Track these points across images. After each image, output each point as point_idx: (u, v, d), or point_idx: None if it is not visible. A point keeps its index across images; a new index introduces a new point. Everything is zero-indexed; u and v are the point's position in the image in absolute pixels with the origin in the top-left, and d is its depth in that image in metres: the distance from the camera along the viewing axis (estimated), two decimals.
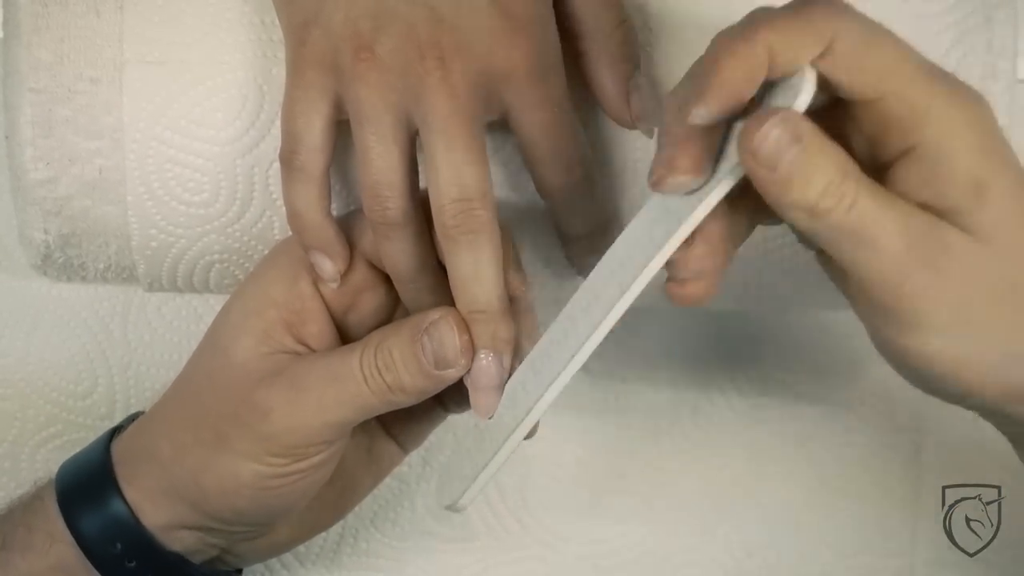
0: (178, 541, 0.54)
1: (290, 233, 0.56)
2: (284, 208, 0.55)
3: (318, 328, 0.53)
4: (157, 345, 0.66)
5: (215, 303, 0.66)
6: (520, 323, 0.51)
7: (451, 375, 0.50)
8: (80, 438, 0.67)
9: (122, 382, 0.66)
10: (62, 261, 0.57)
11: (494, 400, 0.50)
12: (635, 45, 0.53)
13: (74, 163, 0.55)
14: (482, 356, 0.50)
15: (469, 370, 0.50)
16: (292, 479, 0.52)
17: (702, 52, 0.54)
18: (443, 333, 0.50)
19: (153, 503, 0.53)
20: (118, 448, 0.55)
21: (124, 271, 0.58)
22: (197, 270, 0.58)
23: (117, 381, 0.66)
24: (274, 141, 0.54)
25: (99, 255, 0.57)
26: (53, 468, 0.66)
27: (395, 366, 0.50)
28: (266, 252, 0.57)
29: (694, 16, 0.55)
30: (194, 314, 0.66)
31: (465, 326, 0.50)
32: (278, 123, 0.54)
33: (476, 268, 0.49)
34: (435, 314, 0.50)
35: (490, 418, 0.50)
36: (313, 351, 0.52)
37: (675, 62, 0.55)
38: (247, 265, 0.58)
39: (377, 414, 0.52)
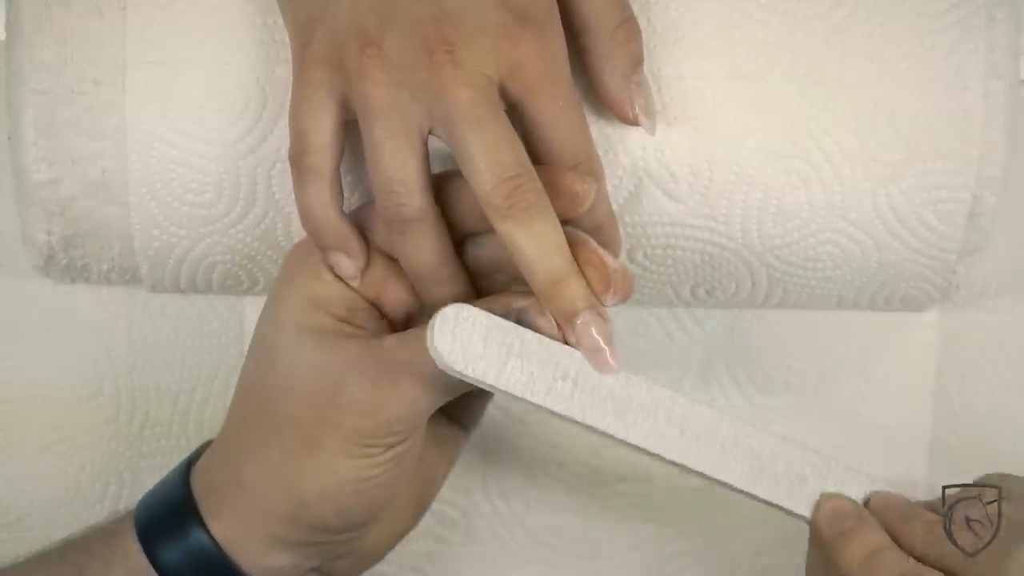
0: (272, 572, 0.54)
1: (294, 235, 0.56)
2: (287, 209, 0.56)
3: (367, 314, 0.53)
4: (162, 346, 0.66)
5: (219, 304, 0.66)
6: (575, 238, 0.50)
7: None
8: (85, 441, 0.67)
9: (127, 384, 0.66)
10: (65, 262, 0.57)
11: (616, 354, 0.50)
12: (639, 41, 0.53)
13: (77, 164, 0.55)
14: (580, 320, 0.49)
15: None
16: (389, 466, 0.52)
17: (703, 48, 0.54)
18: (534, 321, 0.50)
19: (246, 532, 0.53)
20: (198, 483, 0.54)
21: (127, 272, 0.58)
22: (200, 271, 0.58)
23: (122, 383, 0.66)
24: (277, 142, 0.54)
25: (102, 256, 0.57)
26: (57, 470, 0.67)
27: None
28: (269, 252, 0.57)
29: (697, 13, 0.55)
30: (198, 315, 0.66)
31: (547, 313, 0.50)
32: (281, 124, 0.54)
33: (543, 240, 0.49)
34: (521, 300, 0.50)
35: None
36: (372, 333, 0.52)
37: (678, 59, 0.55)
38: (250, 266, 0.58)
39: (458, 396, 0.52)
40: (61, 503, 0.67)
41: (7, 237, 0.62)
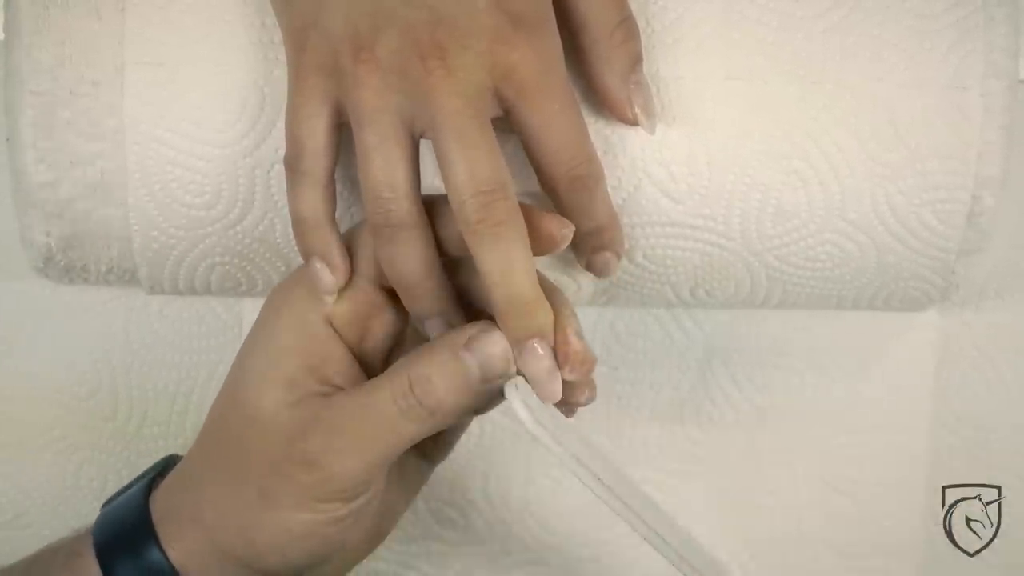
0: None
1: (292, 236, 0.56)
2: (286, 210, 0.55)
3: (340, 366, 0.52)
4: (159, 347, 0.66)
5: (217, 305, 0.66)
6: (553, 302, 0.50)
7: (499, 385, 0.50)
8: (83, 440, 0.67)
9: (125, 384, 0.67)
10: (64, 263, 0.57)
11: (559, 383, 0.50)
12: (637, 41, 0.53)
13: (75, 165, 0.55)
14: (535, 346, 0.49)
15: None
16: (345, 523, 0.52)
17: (702, 49, 0.54)
18: (489, 346, 0.50)
19: (200, 565, 0.53)
20: (158, 505, 0.54)
21: (126, 273, 0.58)
22: (199, 272, 0.58)
23: (120, 383, 0.67)
24: (275, 143, 0.54)
25: (101, 257, 0.57)
26: (55, 468, 0.67)
27: (436, 392, 0.50)
28: (267, 254, 0.57)
29: (695, 13, 0.55)
30: (196, 316, 0.66)
31: (502, 335, 0.50)
32: (279, 125, 0.54)
33: (509, 259, 0.49)
34: (471, 329, 0.50)
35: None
36: (340, 388, 0.52)
37: (677, 60, 0.55)
38: (248, 267, 0.58)
39: (419, 440, 0.52)
40: (59, 501, 0.67)
41: (6, 238, 0.61)
